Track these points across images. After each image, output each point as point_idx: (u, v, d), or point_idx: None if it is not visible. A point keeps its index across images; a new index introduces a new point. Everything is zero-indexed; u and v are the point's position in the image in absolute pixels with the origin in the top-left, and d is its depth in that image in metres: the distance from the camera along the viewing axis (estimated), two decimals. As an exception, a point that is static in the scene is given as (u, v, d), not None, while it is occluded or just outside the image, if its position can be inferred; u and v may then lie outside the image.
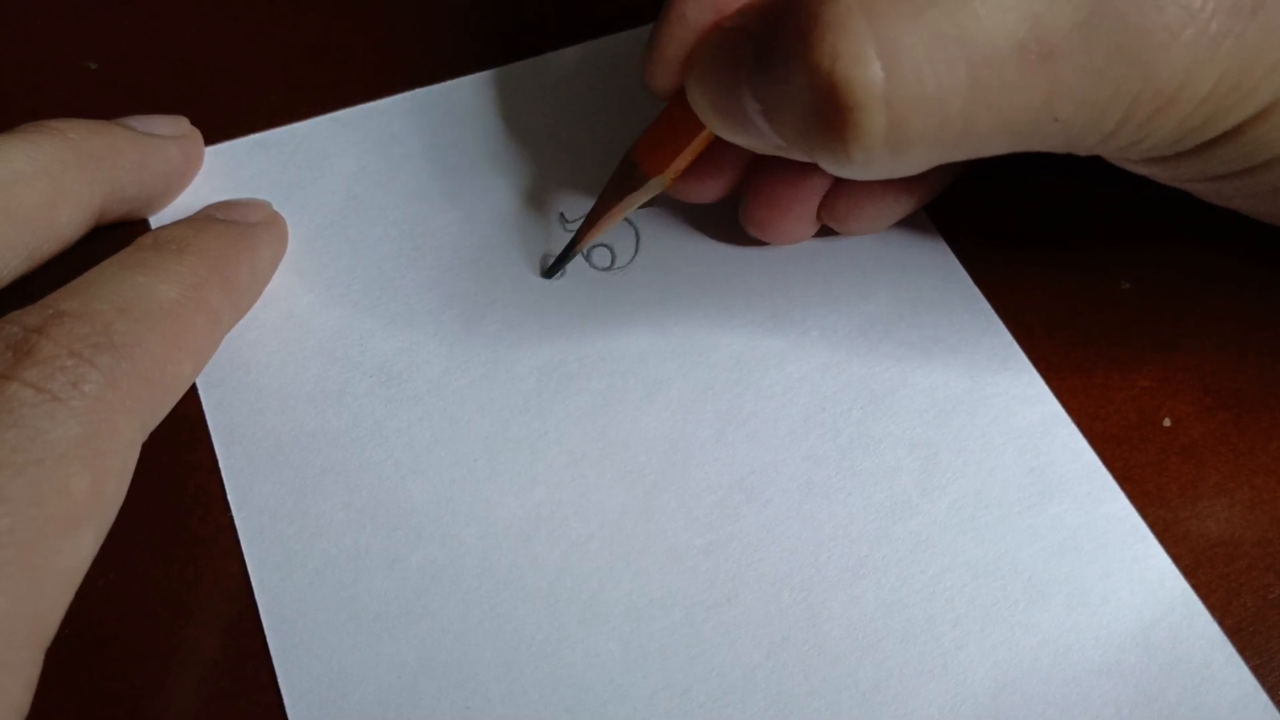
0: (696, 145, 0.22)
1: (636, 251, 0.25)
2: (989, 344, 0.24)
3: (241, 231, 0.23)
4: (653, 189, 0.23)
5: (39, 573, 0.16)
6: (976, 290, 0.25)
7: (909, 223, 0.26)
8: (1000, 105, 0.17)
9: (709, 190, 0.24)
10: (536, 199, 0.26)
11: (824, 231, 0.25)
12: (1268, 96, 0.17)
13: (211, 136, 0.26)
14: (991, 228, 0.26)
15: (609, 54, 0.29)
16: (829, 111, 0.17)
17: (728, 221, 0.26)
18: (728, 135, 0.20)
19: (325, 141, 0.27)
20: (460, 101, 0.28)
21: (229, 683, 0.20)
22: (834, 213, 0.24)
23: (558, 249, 0.25)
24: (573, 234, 0.25)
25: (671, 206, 0.26)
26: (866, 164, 0.18)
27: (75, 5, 0.29)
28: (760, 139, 0.20)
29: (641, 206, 0.24)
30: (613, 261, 0.25)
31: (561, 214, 0.26)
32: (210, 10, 0.29)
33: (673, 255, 0.25)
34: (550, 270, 0.25)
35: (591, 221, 0.24)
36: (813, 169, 0.23)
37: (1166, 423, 0.24)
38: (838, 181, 0.23)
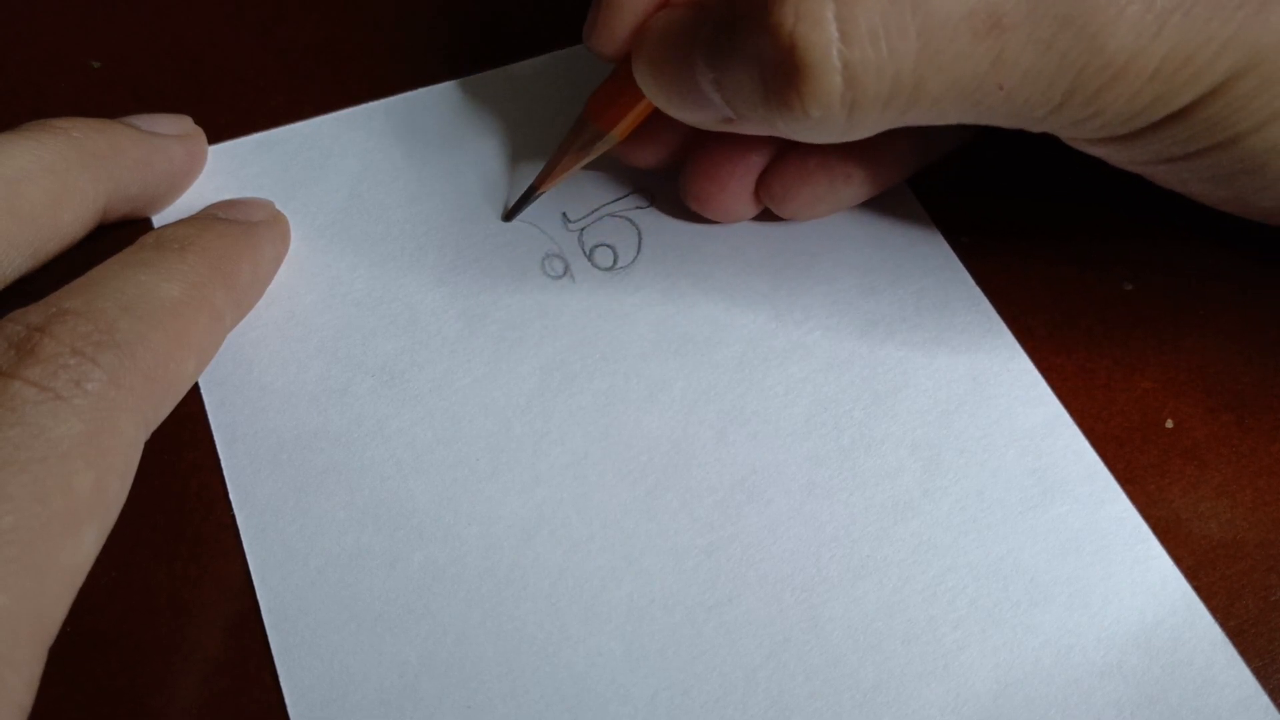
0: (645, 105, 0.22)
1: (639, 252, 0.25)
2: (991, 345, 0.24)
3: (244, 230, 0.23)
4: (602, 145, 0.24)
5: (42, 570, 0.16)
6: (978, 291, 0.25)
7: (911, 223, 0.26)
8: (949, 72, 0.18)
9: (651, 155, 0.25)
10: (538, 198, 0.26)
11: (821, 232, 0.25)
12: (1219, 75, 0.18)
13: (215, 135, 0.26)
14: (994, 228, 0.26)
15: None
16: (787, 71, 0.18)
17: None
18: (673, 110, 0.21)
19: (328, 141, 0.27)
20: (465, 101, 0.28)
21: (230, 681, 0.20)
22: (770, 193, 0.24)
23: (561, 249, 0.25)
24: (576, 234, 0.25)
25: (673, 207, 0.26)
26: (823, 123, 0.19)
27: (79, 4, 0.29)
28: (709, 112, 0.20)
29: (590, 165, 0.25)
30: (615, 261, 0.25)
31: (564, 214, 0.26)
32: (214, 9, 0.29)
33: (675, 255, 0.25)
34: (510, 214, 0.26)
35: (547, 171, 0.25)
36: (750, 145, 0.24)
37: (1169, 424, 0.23)
38: (773, 161, 0.24)
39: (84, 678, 0.20)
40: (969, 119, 0.19)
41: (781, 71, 0.18)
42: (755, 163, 0.24)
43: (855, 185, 0.24)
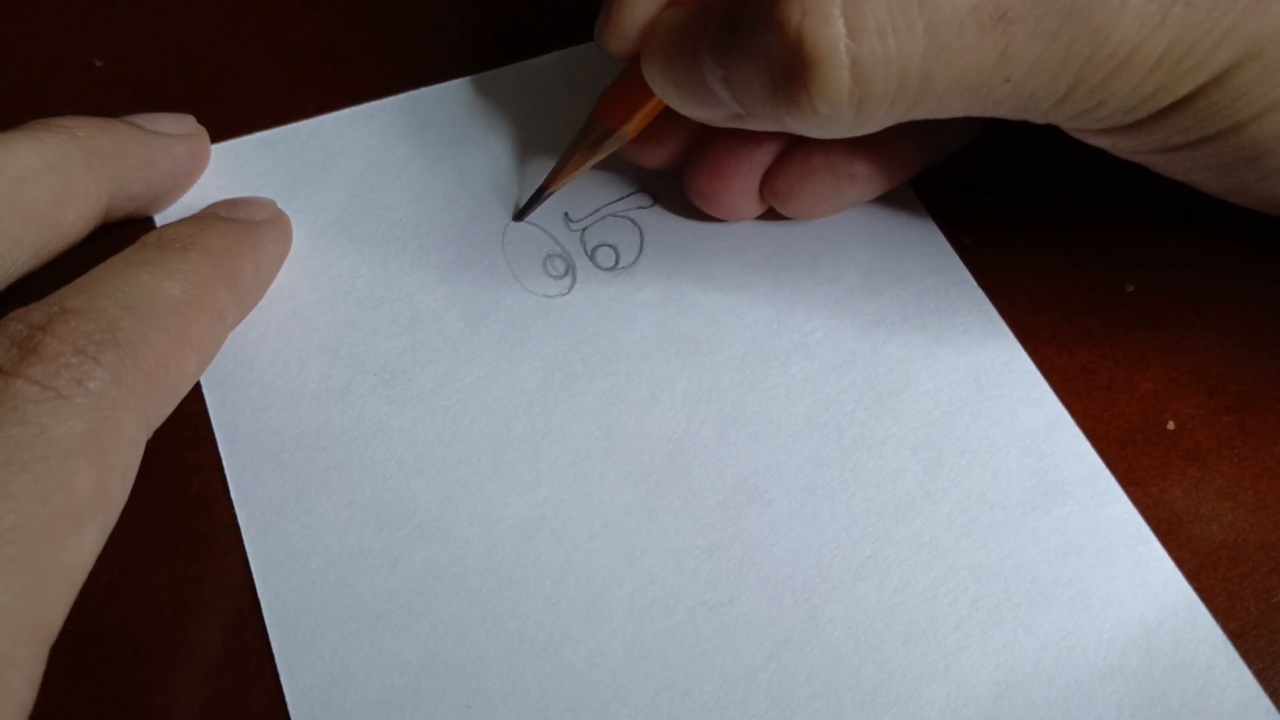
0: (655, 104, 0.23)
1: (640, 252, 0.25)
2: (992, 346, 0.24)
3: (246, 229, 0.23)
4: (612, 144, 0.24)
5: (44, 569, 0.16)
6: (980, 292, 0.25)
7: (912, 224, 0.26)
8: (956, 65, 0.18)
9: (659, 154, 0.25)
10: (545, 198, 0.26)
11: (823, 233, 0.25)
12: (1220, 64, 0.18)
13: (217, 134, 0.26)
14: (996, 229, 0.26)
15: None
16: (795, 67, 0.18)
17: (732, 223, 0.26)
18: (684, 108, 0.21)
19: (330, 140, 0.27)
20: (467, 100, 0.28)
21: (231, 680, 0.20)
22: (774, 191, 0.24)
23: (563, 248, 0.25)
24: (578, 234, 0.25)
25: (675, 207, 0.26)
26: (831, 118, 0.19)
27: (81, 3, 0.29)
28: (717, 109, 0.21)
29: (599, 165, 0.25)
30: (617, 261, 0.25)
31: (566, 213, 0.26)
32: (216, 8, 0.29)
33: (677, 255, 0.25)
34: (520, 213, 0.25)
35: (557, 171, 0.25)
36: (755, 143, 0.24)
37: (1170, 425, 0.23)
38: (778, 159, 0.24)
39: (85, 676, 0.20)
40: (975, 112, 0.19)
41: (789, 68, 0.18)
42: (760, 160, 0.24)
43: (860, 184, 0.24)
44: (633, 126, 0.23)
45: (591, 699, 0.20)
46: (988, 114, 0.19)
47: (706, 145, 0.24)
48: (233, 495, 0.22)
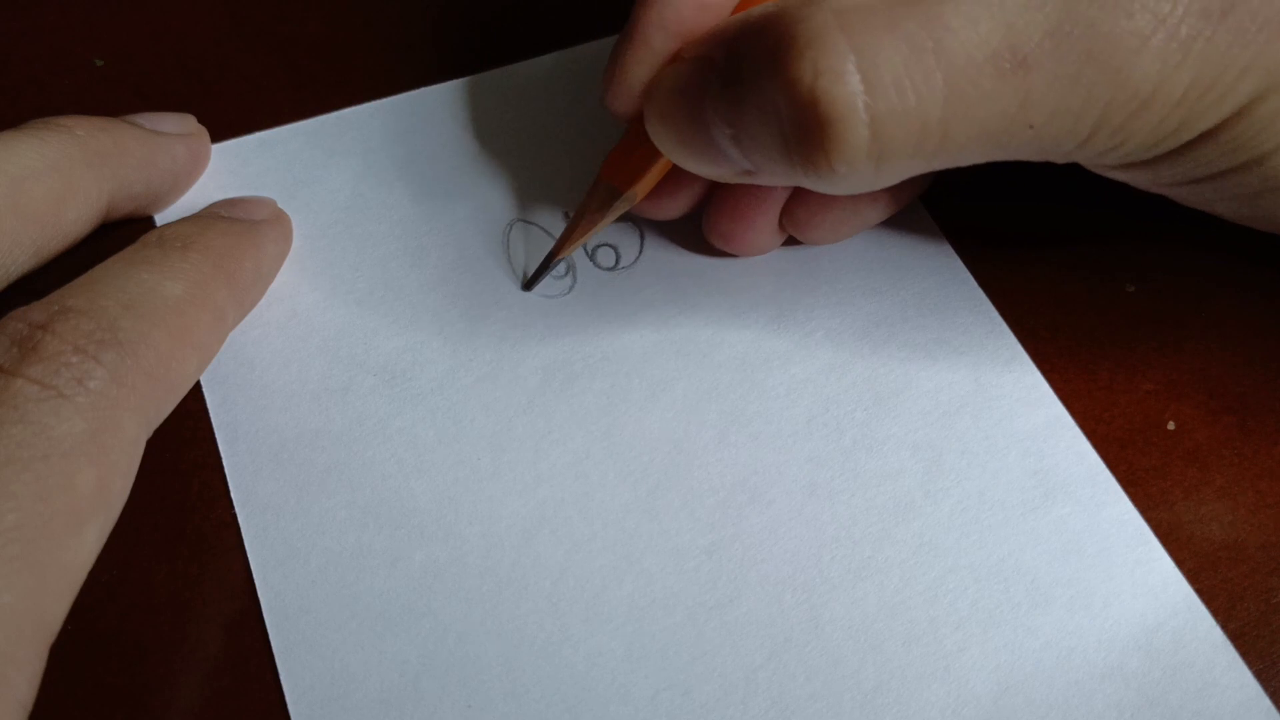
0: (663, 162, 0.22)
1: (641, 252, 0.25)
2: (993, 346, 0.24)
3: (246, 229, 0.23)
4: (622, 205, 0.23)
5: (44, 568, 0.16)
6: (980, 292, 0.25)
7: (913, 225, 0.26)
8: (977, 114, 0.17)
9: (671, 208, 0.24)
10: (542, 197, 0.26)
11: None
12: (1243, 98, 0.18)
13: (218, 134, 0.26)
14: (996, 230, 0.26)
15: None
16: (811, 127, 0.17)
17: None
18: (690, 165, 0.20)
19: (331, 140, 0.27)
20: (466, 100, 0.28)
21: (231, 680, 0.20)
22: (795, 221, 0.24)
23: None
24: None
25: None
26: (849, 176, 0.18)
27: (83, 2, 0.29)
28: (725, 166, 0.20)
29: (616, 221, 0.25)
30: (617, 261, 0.25)
31: (566, 213, 0.26)
32: (217, 8, 0.29)
33: (677, 255, 0.25)
34: (530, 283, 0.25)
35: (566, 236, 0.24)
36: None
37: (1170, 426, 0.23)
38: (797, 190, 0.23)
39: (85, 676, 0.20)
40: (996, 157, 0.19)
41: (804, 127, 0.17)
42: (779, 196, 0.23)
43: (880, 206, 0.24)
44: (642, 187, 0.23)
45: (591, 699, 0.20)
46: (1008, 159, 0.19)
47: (722, 188, 0.24)
48: (233, 494, 0.22)
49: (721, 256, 0.25)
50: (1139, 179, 0.21)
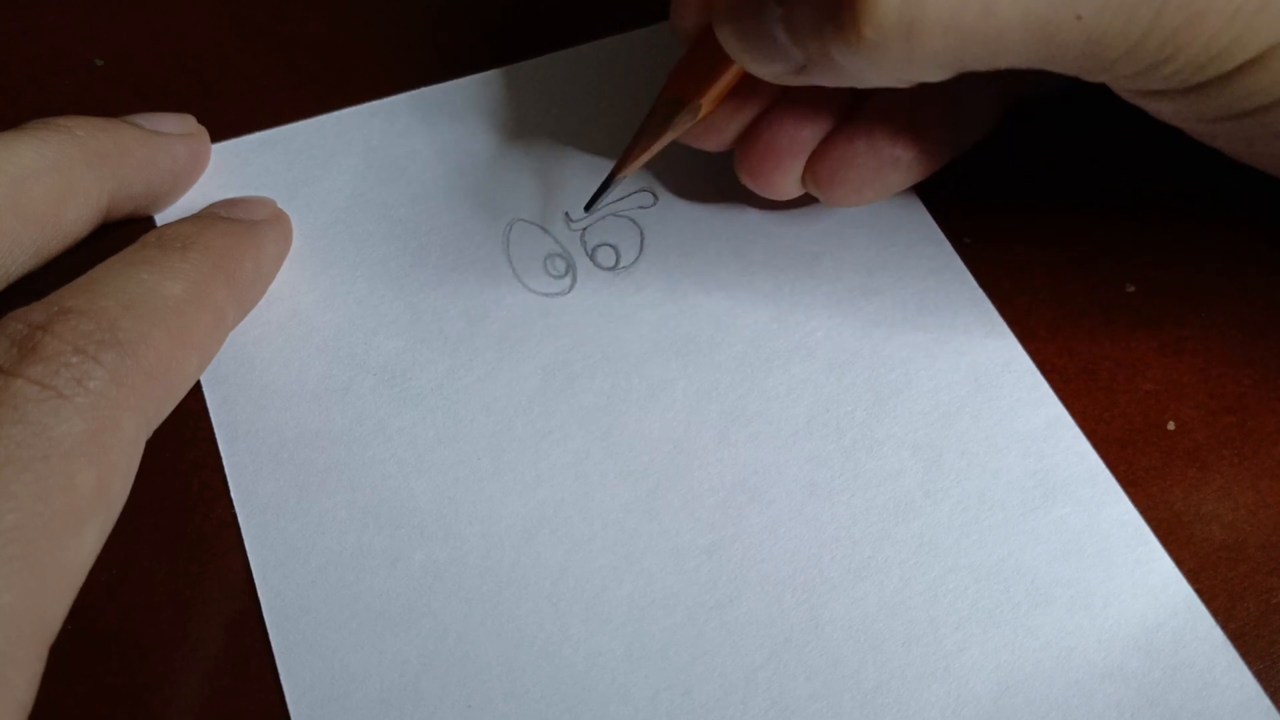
0: (727, 77, 0.22)
1: (641, 251, 0.25)
2: (993, 346, 0.24)
3: (246, 229, 0.23)
4: (686, 118, 0.23)
5: (44, 568, 0.16)
6: (981, 292, 0.25)
7: (913, 224, 0.26)
8: None
9: (724, 136, 0.24)
10: (542, 198, 0.26)
11: (824, 233, 0.25)
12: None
13: (218, 134, 0.26)
14: (996, 229, 0.26)
15: (616, 54, 0.29)
16: None
17: (732, 222, 0.26)
18: (753, 64, 0.21)
19: (330, 140, 0.27)
20: (466, 100, 0.28)
21: (231, 680, 0.20)
22: (817, 177, 0.24)
23: (563, 248, 0.25)
24: (578, 234, 0.25)
25: (675, 207, 0.26)
26: (880, 47, 0.17)
27: (82, 2, 0.29)
28: (782, 61, 0.20)
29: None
30: (617, 261, 0.25)
31: (566, 213, 0.26)
32: (217, 8, 0.29)
33: (677, 255, 0.25)
34: (590, 203, 0.24)
35: (628, 155, 0.24)
36: (806, 121, 0.23)
37: (1170, 426, 0.23)
38: (822, 144, 0.24)
39: (85, 676, 0.20)
40: (1037, 57, 0.18)
41: None
42: (808, 140, 0.24)
43: (901, 170, 0.24)
44: (710, 98, 0.23)
45: (591, 699, 0.20)
46: (1049, 63, 0.18)
47: (758, 124, 0.24)
48: (233, 494, 0.22)
49: (721, 256, 0.25)
50: (1181, 110, 0.20)
